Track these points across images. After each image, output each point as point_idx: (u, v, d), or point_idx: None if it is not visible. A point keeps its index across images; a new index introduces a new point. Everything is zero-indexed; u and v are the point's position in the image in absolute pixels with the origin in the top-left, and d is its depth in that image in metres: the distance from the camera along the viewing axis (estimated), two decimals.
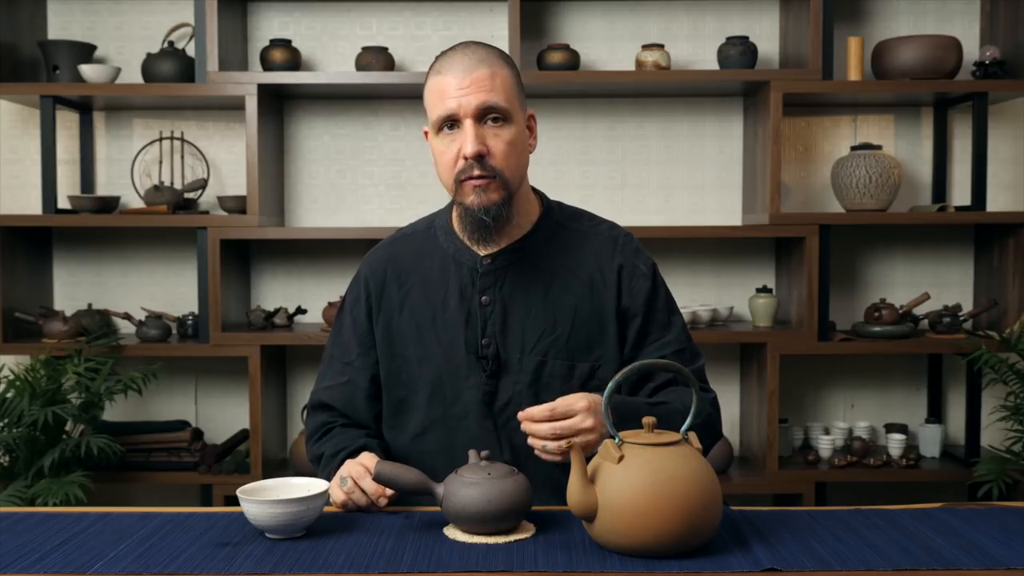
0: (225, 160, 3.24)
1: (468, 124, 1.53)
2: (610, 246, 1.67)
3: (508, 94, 1.55)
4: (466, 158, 1.53)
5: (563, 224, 1.68)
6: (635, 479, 1.27)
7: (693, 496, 1.26)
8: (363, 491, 1.50)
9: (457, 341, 1.62)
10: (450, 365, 1.62)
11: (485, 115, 1.53)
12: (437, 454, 1.62)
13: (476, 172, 1.53)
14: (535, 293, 1.62)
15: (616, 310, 1.64)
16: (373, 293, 1.69)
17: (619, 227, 1.72)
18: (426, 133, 1.64)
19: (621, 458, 1.29)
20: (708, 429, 1.62)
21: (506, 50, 2.97)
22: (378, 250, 1.73)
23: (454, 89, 1.53)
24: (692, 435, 1.36)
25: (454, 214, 1.67)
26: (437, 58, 1.60)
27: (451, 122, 1.54)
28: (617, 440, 1.32)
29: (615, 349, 1.63)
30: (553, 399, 1.52)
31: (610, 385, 1.33)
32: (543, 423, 1.44)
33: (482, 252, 1.63)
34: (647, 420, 1.35)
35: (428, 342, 1.63)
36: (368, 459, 1.55)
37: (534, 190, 1.70)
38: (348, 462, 1.56)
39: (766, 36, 3.20)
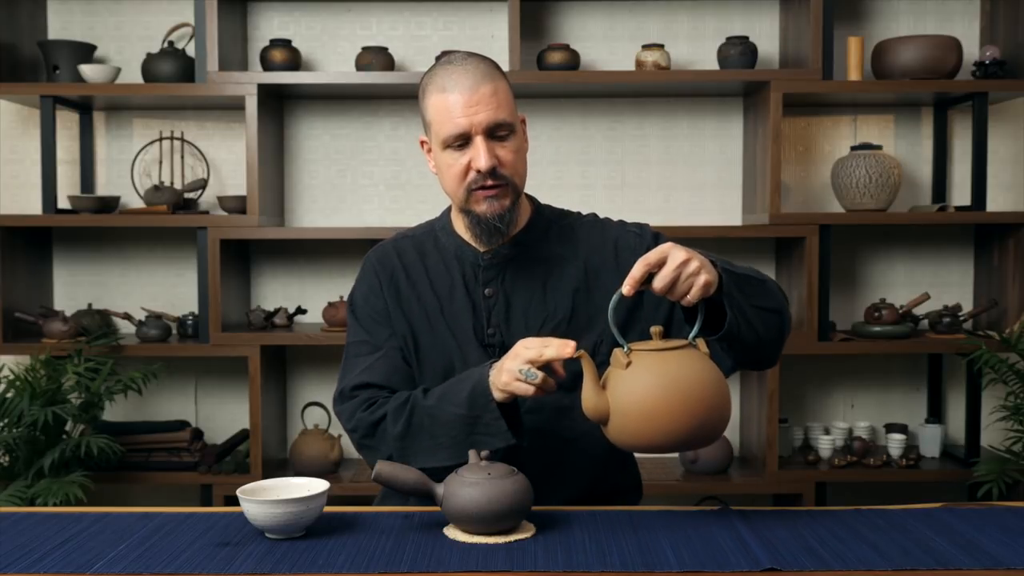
0: (225, 160, 3.24)
1: (479, 140, 1.59)
2: (599, 229, 1.75)
3: (510, 107, 1.63)
4: (479, 171, 1.59)
5: (553, 220, 1.76)
6: (642, 381, 1.36)
7: (696, 395, 1.36)
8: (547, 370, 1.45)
9: (466, 330, 1.67)
10: (460, 352, 1.67)
11: (494, 130, 1.60)
12: None
13: (489, 182, 1.60)
14: (535, 284, 1.69)
15: (621, 281, 1.66)
16: (384, 282, 1.72)
17: (599, 216, 1.81)
18: (422, 143, 1.71)
19: (629, 364, 1.39)
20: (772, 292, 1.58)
21: (506, 50, 2.98)
22: (383, 246, 1.78)
23: (462, 107, 1.58)
24: (700, 341, 1.43)
25: (456, 218, 1.73)
26: (434, 72, 1.64)
27: (462, 139, 1.60)
28: (626, 349, 1.40)
29: None
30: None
31: (614, 298, 1.41)
32: (659, 282, 1.38)
33: (482, 249, 1.70)
34: (655, 329, 1.42)
35: (439, 330, 1.68)
36: (525, 342, 1.47)
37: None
38: (509, 357, 1.47)
39: (766, 36, 3.20)
